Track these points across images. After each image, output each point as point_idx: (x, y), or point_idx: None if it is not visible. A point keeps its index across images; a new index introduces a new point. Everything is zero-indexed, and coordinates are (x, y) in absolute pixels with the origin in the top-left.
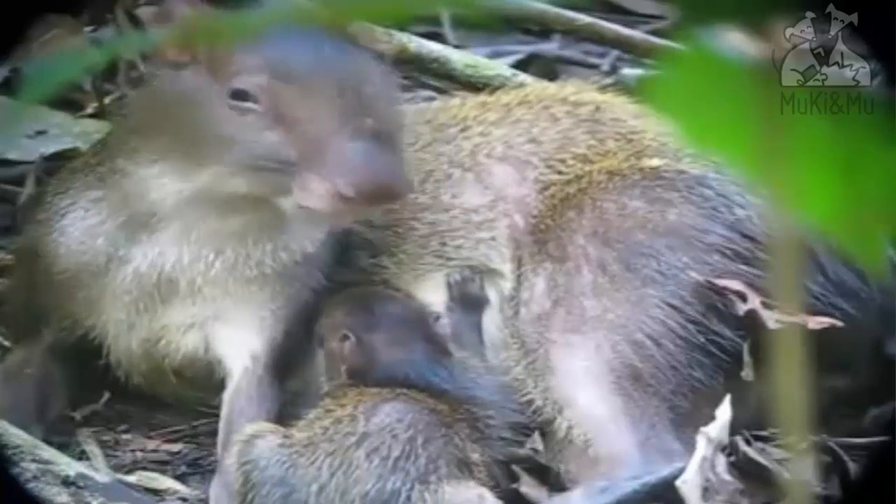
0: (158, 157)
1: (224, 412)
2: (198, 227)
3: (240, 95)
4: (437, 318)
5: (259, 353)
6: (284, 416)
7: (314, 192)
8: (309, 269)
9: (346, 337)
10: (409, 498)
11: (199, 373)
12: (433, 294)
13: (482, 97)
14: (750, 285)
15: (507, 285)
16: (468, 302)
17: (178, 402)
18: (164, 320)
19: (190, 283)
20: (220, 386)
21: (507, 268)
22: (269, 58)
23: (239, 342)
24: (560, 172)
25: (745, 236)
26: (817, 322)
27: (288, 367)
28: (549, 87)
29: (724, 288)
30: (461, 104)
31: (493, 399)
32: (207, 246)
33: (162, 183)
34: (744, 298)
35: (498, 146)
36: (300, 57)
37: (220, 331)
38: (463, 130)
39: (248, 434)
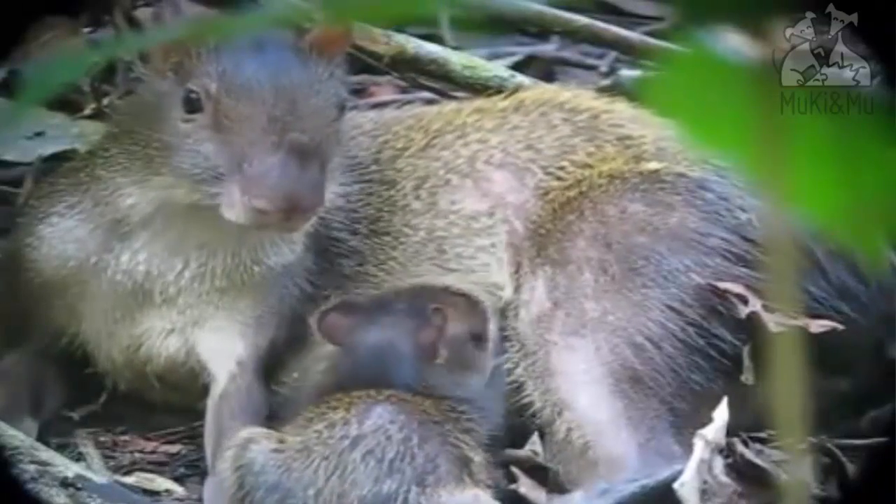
0: (128, 164)
1: (210, 417)
2: (163, 237)
3: (190, 103)
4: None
5: (245, 359)
6: (274, 419)
7: (234, 204)
8: (290, 278)
9: (335, 342)
10: (406, 500)
11: (183, 378)
12: None
13: (478, 102)
14: (751, 288)
15: (507, 292)
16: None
17: (168, 407)
18: (144, 327)
19: (163, 292)
20: (206, 391)
21: (504, 274)
22: (223, 66)
23: (222, 348)
24: (560, 179)
25: (746, 239)
26: (819, 325)
27: (276, 371)
28: (546, 92)
29: (726, 291)
30: (457, 109)
31: (477, 399)
32: (175, 256)
33: (130, 191)
34: (745, 301)
35: (496, 153)
36: (246, 67)
37: (202, 336)
38: (460, 137)
39: (242, 439)
